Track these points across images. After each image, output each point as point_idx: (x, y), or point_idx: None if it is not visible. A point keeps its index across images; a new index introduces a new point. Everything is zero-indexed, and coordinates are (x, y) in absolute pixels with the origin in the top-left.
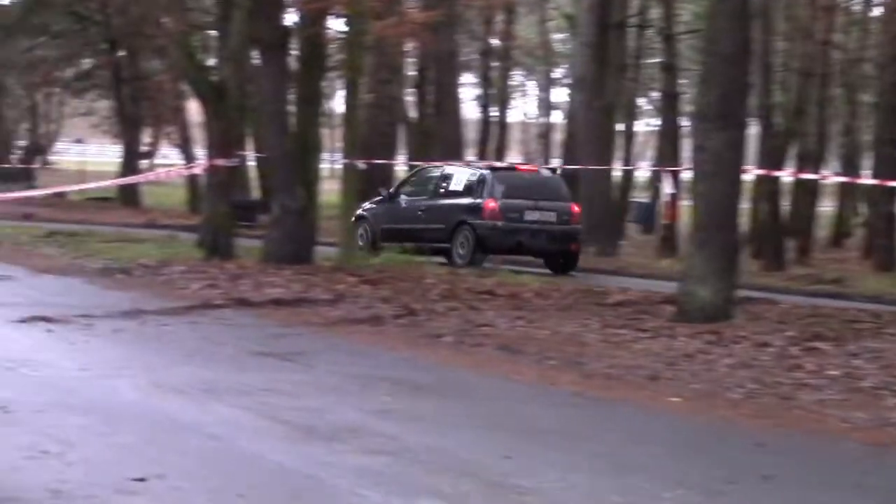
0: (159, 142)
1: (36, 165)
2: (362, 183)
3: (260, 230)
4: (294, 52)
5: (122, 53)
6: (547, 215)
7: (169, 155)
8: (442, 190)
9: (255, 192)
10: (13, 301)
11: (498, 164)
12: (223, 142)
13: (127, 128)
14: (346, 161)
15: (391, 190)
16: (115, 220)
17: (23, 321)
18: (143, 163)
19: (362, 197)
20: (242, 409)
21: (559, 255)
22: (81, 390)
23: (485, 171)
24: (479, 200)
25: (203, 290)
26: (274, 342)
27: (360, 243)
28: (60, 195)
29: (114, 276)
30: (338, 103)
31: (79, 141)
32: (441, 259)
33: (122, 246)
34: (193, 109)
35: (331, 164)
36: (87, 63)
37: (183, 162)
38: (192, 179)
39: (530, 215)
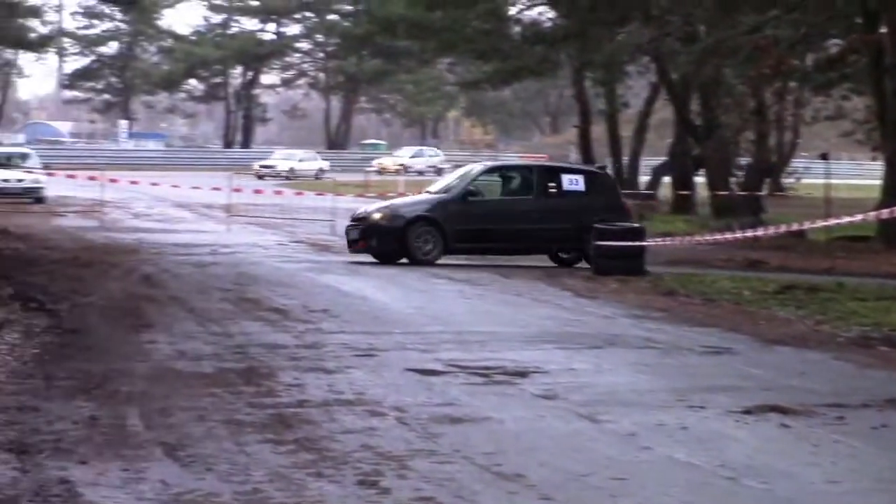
0: None
1: (763, 192)
2: None
3: None
4: None
5: (883, 30)
6: None
7: None
8: (553, 189)
9: None
10: (735, 384)
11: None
12: None
13: (891, 136)
14: None
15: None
16: (876, 269)
17: (747, 412)
18: None
19: None
20: None
21: None
22: None
23: (596, 170)
24: (614, 200)
25: None
26: None
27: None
28: (798, 234)
29: (875, 348)
30: None
31: (823, 157)
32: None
33: (886, 305)
34: None
35: None
36: (833, 45)
37: None
38: None
39: None
